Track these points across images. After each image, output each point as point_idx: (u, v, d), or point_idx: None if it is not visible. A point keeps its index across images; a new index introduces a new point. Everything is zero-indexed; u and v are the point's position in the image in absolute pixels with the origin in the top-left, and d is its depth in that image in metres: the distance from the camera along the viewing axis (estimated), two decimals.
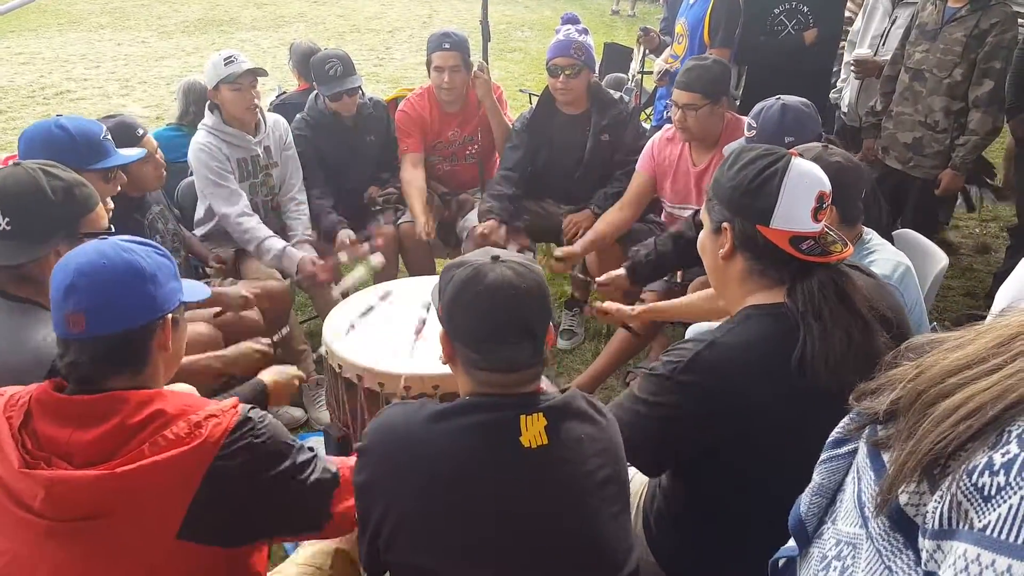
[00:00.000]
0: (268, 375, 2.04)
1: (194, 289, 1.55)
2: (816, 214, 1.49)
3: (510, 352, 1.35)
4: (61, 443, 1.25)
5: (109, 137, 2.27)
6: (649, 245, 2.79)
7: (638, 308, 2.50)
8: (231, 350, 2.24)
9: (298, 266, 3.07)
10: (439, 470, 1.30)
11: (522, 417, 1.31)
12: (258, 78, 3.16)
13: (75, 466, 1.23)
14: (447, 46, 3.45)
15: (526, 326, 1.35)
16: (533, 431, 1.31)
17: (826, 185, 1.50)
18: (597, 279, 2.72)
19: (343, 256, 3.20)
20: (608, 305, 2.53)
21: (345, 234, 3.35)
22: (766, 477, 1.34)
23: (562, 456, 1.33)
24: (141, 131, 2.70)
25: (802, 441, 1.14)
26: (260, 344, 2.26)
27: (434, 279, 2.03)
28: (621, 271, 2.76)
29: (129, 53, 9.61)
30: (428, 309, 2.14)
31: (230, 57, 3.07)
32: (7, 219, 1.68)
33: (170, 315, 1.38)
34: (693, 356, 1.46)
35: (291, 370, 2.09)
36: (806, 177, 1.49)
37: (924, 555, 0.79)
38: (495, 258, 1.38)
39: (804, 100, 2.55)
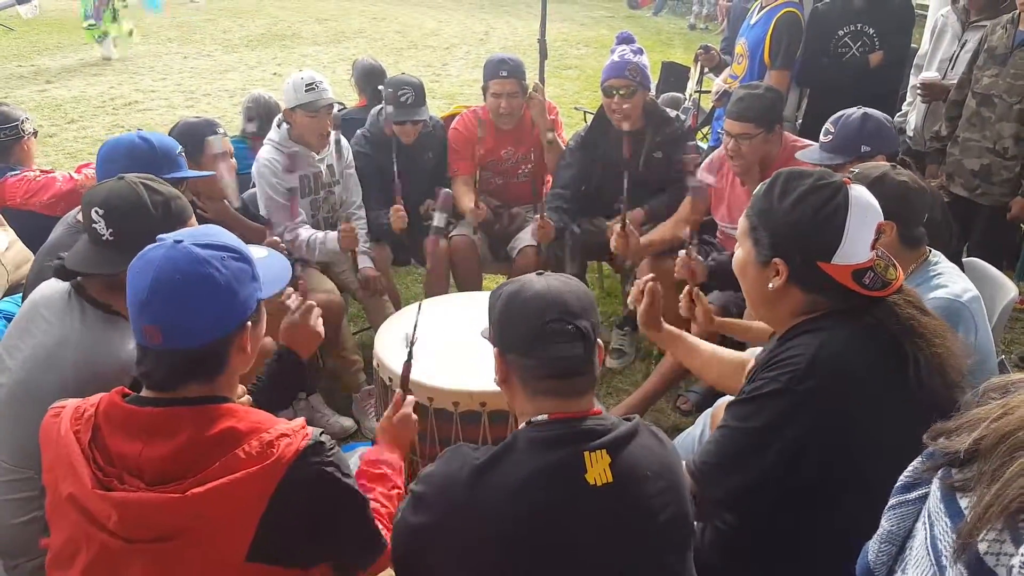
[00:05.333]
0: (282, 335, 1.94)
1: (274, 278, 1.51)
2: (873, 244, 1.47)
3: (563, 351, 1.34)
4: (131, 458, 1.24)
5: (183, 154, 2.38)
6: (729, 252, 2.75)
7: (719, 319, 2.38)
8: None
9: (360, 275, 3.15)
10: (506, 522, 1.26)
11: (586, 454, 1.29)
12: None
13: (146, 483, 1.22)
14: (504, 73, 3.48)
15: (575, 324, 1.35)
16: (598, 468, 1.28)
17: (881, 215, 1.49)
18: (679, 264, 2.62)
19: None
20: (699, 295, 2.35)
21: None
22: (844, 499, 1.32)
23: (627, 495, 1.30)
24: (221, 128, 2.87)
25: (901, 453, 1.13)
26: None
27: (484, 294, 2.04)
28: (700, 260, 2.68)
29: (195, 66, 9.90)
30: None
31: (312, 84, 3.11)
32: (111, 230, 1.73)
33: (248, 322, 1.36)
34: (810, 361, 1.42)
35: (297, 314, 1.93)
36: (866, 210, 1.46)
37: None
38: (540, 273, 1.44)
39: (886, 115, 2.51)
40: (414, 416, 1.83)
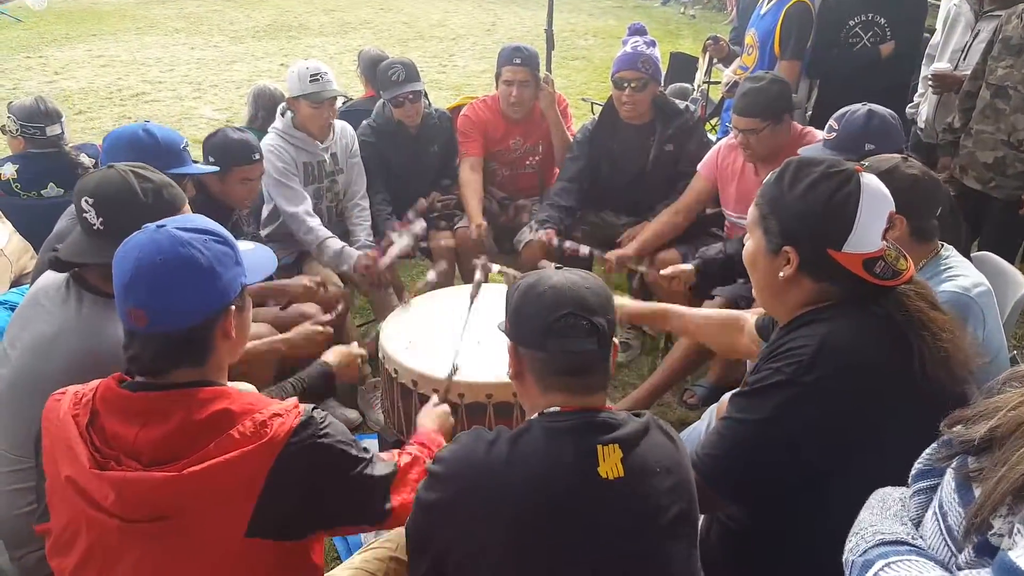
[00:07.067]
0: (331, 355, 2.12)
1: (259, 266, 1.52)
2: (885, 234, 1.47)
3: (576, 346, 1.33)
4: (128, 441, 1.26)
5: (187, 148, 2.36)
6: (719, 245, 2.73)
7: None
8: (293, 333, 2.34)
9: (355, 262, 3.12)
10: (519, 504, 1.27)
11: (599, 447, 1.29)
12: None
13: (143, 464, 1.24)
14: (518, 61, 3.47)
15: (590, 320, 1.34)
16: (611, 462, 1.29)
17: (893, 204, 1.49)
18: (662, 271, 2.65)
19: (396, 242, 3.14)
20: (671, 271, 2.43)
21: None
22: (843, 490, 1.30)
23: (637, 490, 1.30)
24: (257, 155, 2.85)
25: (905, 446, 1.12)
26: (320, 326, 2.36)
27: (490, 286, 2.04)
28: (689, 266, 2.68)
29: (202, 57, 9.89)
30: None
31: (317, 75, 3.11)
32: (101, 219, 1.74)
33: (232, 305, 1.37)
34: (815, 352, 1.41)
35: (353, 348, 2.17)
36: (878, 198, 1.46)
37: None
38: (557, 267, 1.44)
39: (891, 111, 2.48)
40: (451, 419, 1.92)
